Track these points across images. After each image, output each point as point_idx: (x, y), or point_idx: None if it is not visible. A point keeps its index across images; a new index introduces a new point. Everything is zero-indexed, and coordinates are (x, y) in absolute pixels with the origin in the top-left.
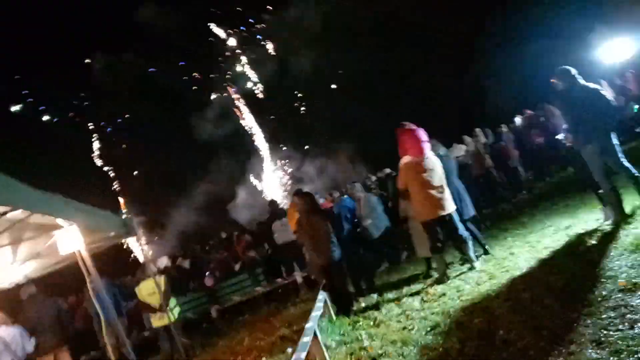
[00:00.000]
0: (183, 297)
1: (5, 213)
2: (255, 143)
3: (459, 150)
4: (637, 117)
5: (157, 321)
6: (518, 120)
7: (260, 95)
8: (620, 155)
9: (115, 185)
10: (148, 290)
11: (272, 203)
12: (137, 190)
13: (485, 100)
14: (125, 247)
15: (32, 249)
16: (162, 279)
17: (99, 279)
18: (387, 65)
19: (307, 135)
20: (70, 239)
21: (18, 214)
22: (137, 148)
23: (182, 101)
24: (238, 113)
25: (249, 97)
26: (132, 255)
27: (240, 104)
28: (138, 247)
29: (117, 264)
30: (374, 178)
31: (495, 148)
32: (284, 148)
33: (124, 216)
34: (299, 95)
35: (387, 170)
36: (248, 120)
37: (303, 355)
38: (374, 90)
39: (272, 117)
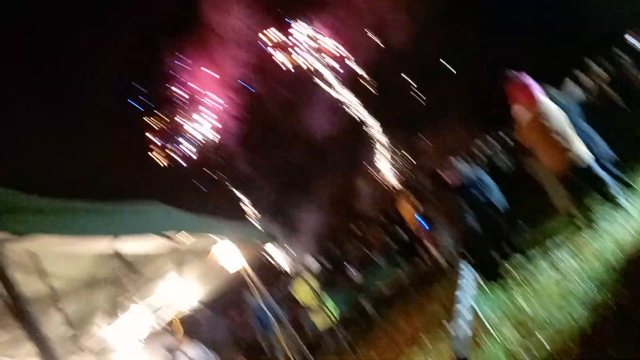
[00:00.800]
0: (334, 294)
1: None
2: (367, 131)
3: (571, 86)
4: None
5: (318, 320)
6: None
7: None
8: None
9: (239, 197)
10: (304, 291)
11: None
12: (259, 196)
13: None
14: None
15: (198, 273)
16: (312, 279)
17: (263, 287)
18: None
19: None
20: (230, 254)
21: (177, 243)
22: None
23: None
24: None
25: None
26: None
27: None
28: (281, 253)
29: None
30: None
31: (624, 73)
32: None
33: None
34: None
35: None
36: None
37: (469, 333)
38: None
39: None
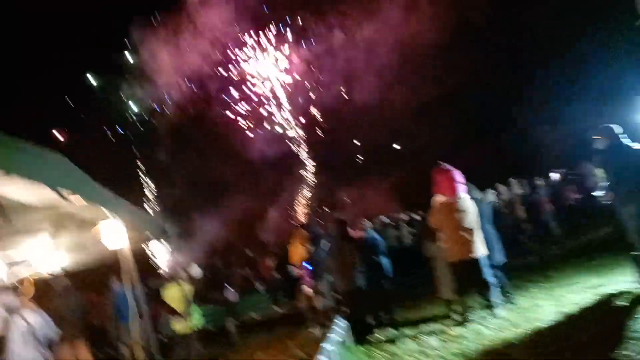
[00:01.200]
0: (203, 307)
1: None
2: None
3: (493, 196)
4: None
5: (178, 326)
6: (554, 175)
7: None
8: None
9: (149, 188)
10: (174, 294)
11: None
12: (170, 194)
13: (524, 152)
14: (147, 250)
15: (72, 241)
16: (188, 286)
17: (137, 278)
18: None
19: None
20: (116, 234)
21: (66, 204)
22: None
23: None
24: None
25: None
26: (151, 259)
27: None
28: (165, 251)
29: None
30: (404, 217)
31: (529, 200)
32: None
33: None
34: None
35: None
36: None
37: None
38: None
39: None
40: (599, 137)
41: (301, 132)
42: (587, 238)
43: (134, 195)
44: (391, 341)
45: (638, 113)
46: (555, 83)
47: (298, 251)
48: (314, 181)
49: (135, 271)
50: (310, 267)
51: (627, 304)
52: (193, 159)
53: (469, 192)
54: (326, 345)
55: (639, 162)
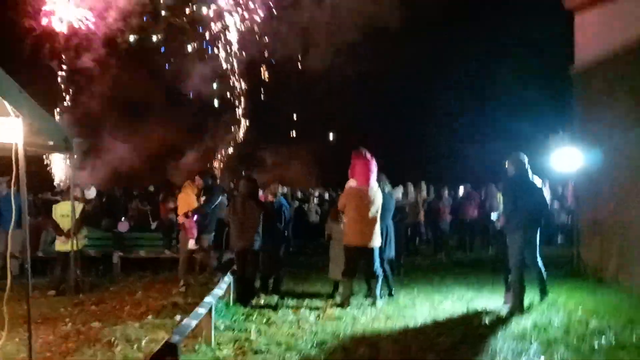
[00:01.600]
0: (91, 230)
1: None
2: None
3: (400, 193)
4: (561, 227)
5: (60, 245)
6: (461, 189)
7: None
8: (537, 252)
9: (63, 93)
10: (63, 211)
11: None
12: (84, 105)
13: (438, 159)
14: (48, 162)
15: None
16: (80, 206)
17: (24, 181)
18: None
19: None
20: (11, 130)
21: None
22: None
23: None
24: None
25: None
26: (48, 170)
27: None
28: (64, 167)
29: (36, 177)
30: (316, 193)
31: (432, 205)
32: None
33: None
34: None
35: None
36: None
37: (193, 323)
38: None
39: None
40: (508, 164)
41: (243, 85)
42: (475, 254)
43: (44, 96)
44: (272, 308)
45: (550, 152)
46: (484, 102)
47: (188, 200)
48: (241, 138)
49: (24, 176)
50: (196, 219)
51: (490, 320)
52: (120, 74)
53: (381, 183)
54: (207, 298)
55: (534, 196)
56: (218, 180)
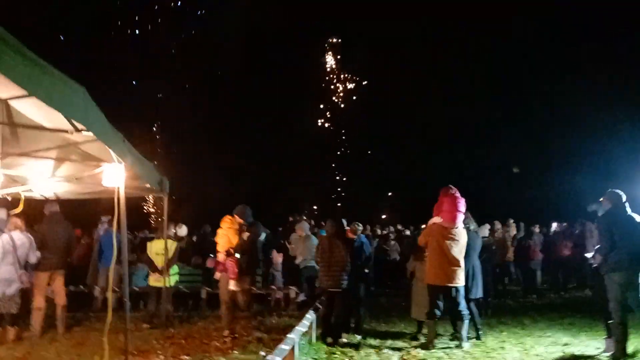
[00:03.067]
0: (182, 267)
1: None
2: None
3: (487, 231)
4: None
5: (154, 281)
6: (554, 225)
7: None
8: None
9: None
10: (157, 249)
11: (296, 213)
12: (180, 151)
13: (526, 196)
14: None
15: (72, 172)
16: (174, 244)
17: (124, 221)
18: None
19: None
20: (115, 176)
21: (76, 136)
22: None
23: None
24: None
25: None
26: (146, 210)
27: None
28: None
29: (135, 215)
30: (393, 229)
31: (522, 244)
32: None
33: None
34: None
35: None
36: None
37: (278, 359)
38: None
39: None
40: (604, 200)
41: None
42: (569, 295)
43: (143, 142)
44: (354, 347)
45: None
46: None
47: (229, 237)
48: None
49: (124, 217)
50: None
51: None
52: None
53: (467, 221)
54: (291, 335)
55: (634, 233)
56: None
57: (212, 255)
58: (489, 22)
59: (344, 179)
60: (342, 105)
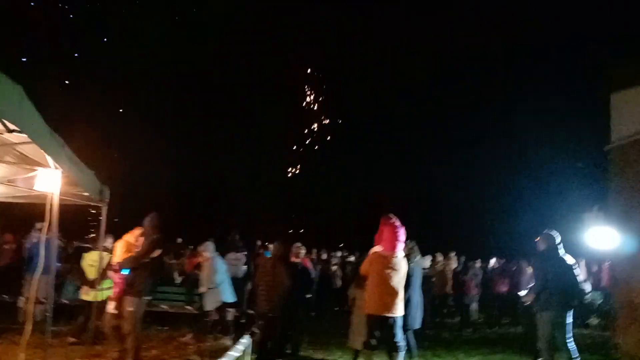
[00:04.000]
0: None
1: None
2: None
3: (428, 262)
4: (595, 308)
5: (85, 294)
6: (492, 262)
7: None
8: (569, 334)
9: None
10: (92, 260)
11: (233, 233)
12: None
13: (474, 233)
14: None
15: (5, 174)
16: (108, 256)
17: (56, 229)
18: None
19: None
20: (50, 181)
21: (11, 136)
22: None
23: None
24: None
25: None
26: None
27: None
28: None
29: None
30: (339, 254)
31: (459, 278)
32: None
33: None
34: None
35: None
36: None
37: None
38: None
39: None
40: (540, 241)
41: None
42: (503, 331)
43: (84, 147)
44: None
45: (584, 230)
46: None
47: (127, 249)
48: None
49: (56, 224)
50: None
51: None
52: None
53: (411, 252)
54: (225, 358)
55: (565, 275)
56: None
57: None
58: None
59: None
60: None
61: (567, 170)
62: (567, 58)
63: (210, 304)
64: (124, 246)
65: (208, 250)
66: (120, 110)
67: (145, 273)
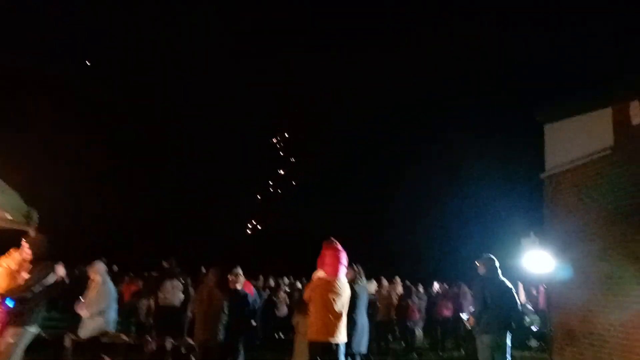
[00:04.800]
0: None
1: None
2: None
3: (374, 287)
4: (533, 330)
5: None
6: (436, 286)
7: None
8: (508, 356)
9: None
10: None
11: (171, 259)
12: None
13: (417, 255)
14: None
15: None
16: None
17: None
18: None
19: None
20: None
21: None
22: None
23: None
24: None
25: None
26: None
27: None
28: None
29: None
30: (286, 281)
31: (403, 303)
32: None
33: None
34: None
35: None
36: None
37: None
38: None
39: None
40: (480, 265)
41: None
42: (447, 355)
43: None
44: None
45: (522, 254)
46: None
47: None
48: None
49: None
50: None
51: None
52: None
53: (357, 276)
54: None
55: (504, 298)
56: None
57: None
58: None
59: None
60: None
61: (506, 197)
62: (505, 93)
63: (89, 331)
64: (4, 272)
65: (98, 271)
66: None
67: (34, 303)
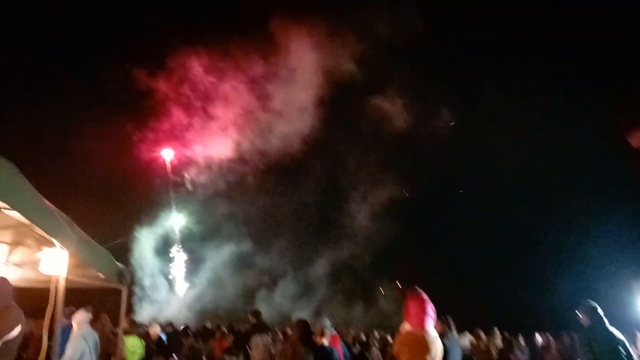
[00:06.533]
0: None
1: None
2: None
3: (467, 340)
4: None
5: None
6: (538, 338)
7: None
8: None
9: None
10: (130, 347)
11: (257, 314)
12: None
13: (518, 305)
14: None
15: (26, 258)
16: (141, 342)
17: (62, 313)
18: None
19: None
20: (56, 262)
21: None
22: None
23: None
24: None
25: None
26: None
27: None
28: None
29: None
30: (377, 335)
31: (504, 356)
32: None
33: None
34: None
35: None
36: None
37: None
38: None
39: None
40: (582, 315)
41: None
42: None
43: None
44: None
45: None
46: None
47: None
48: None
49: (61, 307)
50: None
51: None
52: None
53: (448, 329)
54: None
55: (616, 353)
56: None
57: (174, 357)
58: None
59: None
60: None
61: (613, 240)
62: None
63: None
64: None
65: (78, 320)
66: None
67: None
